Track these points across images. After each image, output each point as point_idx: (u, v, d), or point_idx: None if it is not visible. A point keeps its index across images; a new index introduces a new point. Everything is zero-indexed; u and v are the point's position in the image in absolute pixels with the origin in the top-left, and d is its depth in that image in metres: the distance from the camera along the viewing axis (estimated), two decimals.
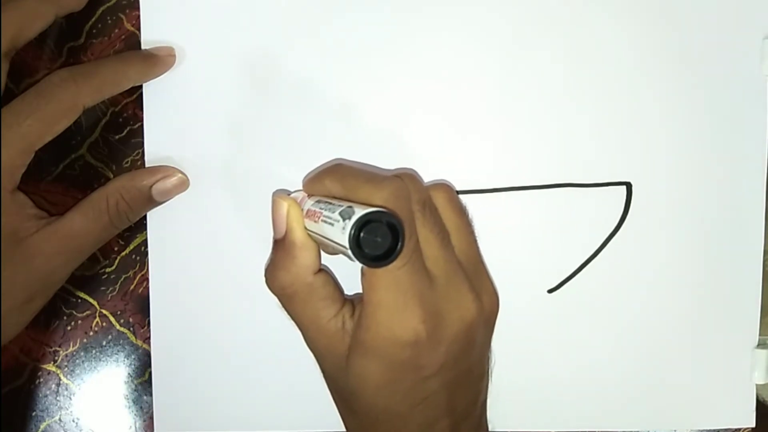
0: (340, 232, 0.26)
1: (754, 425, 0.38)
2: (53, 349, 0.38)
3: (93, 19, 0.37)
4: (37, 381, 0.38)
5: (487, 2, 0.36)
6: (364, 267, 0.29)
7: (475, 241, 0.34)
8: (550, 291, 0.37)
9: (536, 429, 0.38)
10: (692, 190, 0.37)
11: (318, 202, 0.30)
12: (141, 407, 0.38)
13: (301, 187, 0.35)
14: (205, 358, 0.37)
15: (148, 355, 0.37)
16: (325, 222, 0.28)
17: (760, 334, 0.38)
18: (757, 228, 0.38)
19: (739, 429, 0.38)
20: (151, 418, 0.38)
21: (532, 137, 0.37)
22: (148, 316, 0.37)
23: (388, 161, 0.37)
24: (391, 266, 0.27)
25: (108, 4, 0.37)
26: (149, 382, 0.38)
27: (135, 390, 0.38)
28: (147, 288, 0.37)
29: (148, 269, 0.37)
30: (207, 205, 0.37)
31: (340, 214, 0.27)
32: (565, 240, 0.37)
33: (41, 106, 0.32)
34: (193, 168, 0.36)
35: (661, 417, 0.38)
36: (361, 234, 0.26)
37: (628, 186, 0.37)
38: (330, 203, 0.29)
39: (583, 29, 0.37)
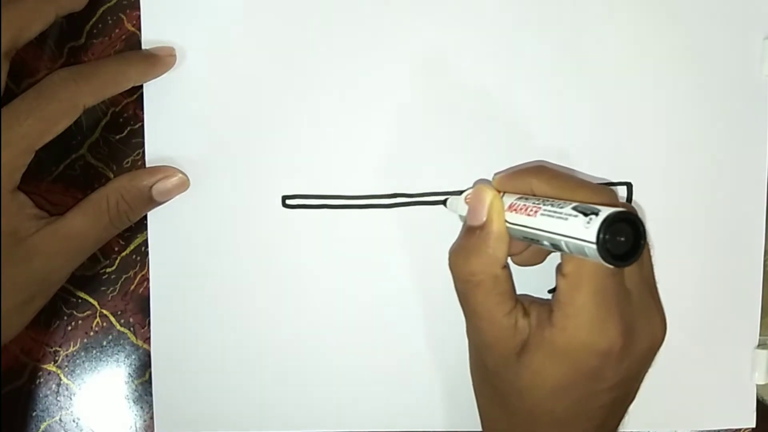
0: (582, 227, 0.26)
1: (754, 425, 0.38)
2: (53, 349, 0.38)
3: (93, 19, 0.37)
4: (38, 381, 0.38)
5: (488, 3, 0.37)
6: (567, 267, 0.29)
7: (653, 266, 0.33)
8: (551, 291, 0.37)
9: None
10: (692, 190, 0.37)
11: (523, 199, 0.30)
12: (141, 407, 0.38)
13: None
14: (205, 358, 0.37)
15: (149, 355, 0.37)
16: (551, 216, 0.28)
17: (760, 334, 0.38)
18: (758, 228, 0.38)
19: (740, 429, 0.38)
20: (152, 418, 0.38)
21: (533, 137, 0.37)
22: (149, 316, 0.37)
23: (389, 161, 0.37)
24: (600, 273, 0.28)
25: (109, 4, 0.37)
26: (149, 382, 0.38)
27: (135, 390, 0.38)
28: (147, 288, 0.37)
29: (148, 269, 0.37)
30: (207, 205, 0.37)
31: (577, 210, 0.27)
32: None
33: (41, 105, 0.32)
34: (193, 168, 0.36)
35: (661, 417, 0.38)
36: (606, 233, 0.26)
37: (629, 186, 0.37)
38: (549, 200, 0.29)
39: (584, 29, 0.37)
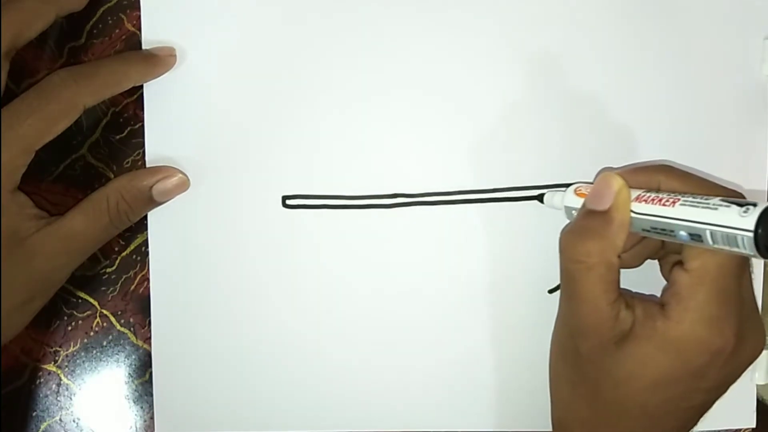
0: (738, 216, 0.27)
1: (754, 425, 0.38)
2: (54, 349, 0.38)
3: (94, 19, 0.37)
4: (38, 381, 0.38)
5: (491, 3, 0.37)
6: (693, 263, 0.29)
7: None
8: (551, 291, 0.37)
9: (537, 429, 0.38)
10: None
11: (652, 192, 0.31)
12: (141, 407, 0.38)
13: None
14: (206, 358, 0.37)
15: (149, 355, 0.37)
16: (696, 206, 0.29)
17: None
18: None
19: (740, 429, 0.38)
20: (152, 418, 0.38)
21: (532, 138, 0.37)
22: (149, 316, 0.37)
23: (389, 161, 0.37)
24: (725, 273, 0.29)
25: (109, 5, 0.37)
26: (150, 382, 0.38)
27: (135, 390, 0.38)
28: (147, 288, 0.37)
29: (148, 269, 0.37)
30: (207, 205, 0.37)
31: (727, 201, 0.28)
32: None
33: (42, 106, 0.32)
34: (193, 168, 0.36)
35: None
36: (765, 224, 0.27)
37: None
38: (685, 194, 0.30)
39: (583, 30, 0.37)
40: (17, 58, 0.34)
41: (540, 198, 0.36)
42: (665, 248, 0.34)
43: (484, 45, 0.37)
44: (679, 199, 0.29)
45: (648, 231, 0.31)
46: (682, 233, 0.29)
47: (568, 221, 0.34)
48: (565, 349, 0.33)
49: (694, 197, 0.29)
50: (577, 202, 0.33)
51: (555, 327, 0.34)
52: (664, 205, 0.30)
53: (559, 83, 0.37)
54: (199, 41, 0.36)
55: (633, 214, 0.31)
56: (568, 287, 0.32)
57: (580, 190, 0.34)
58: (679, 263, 0.30)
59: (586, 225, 0.31)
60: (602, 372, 0.31)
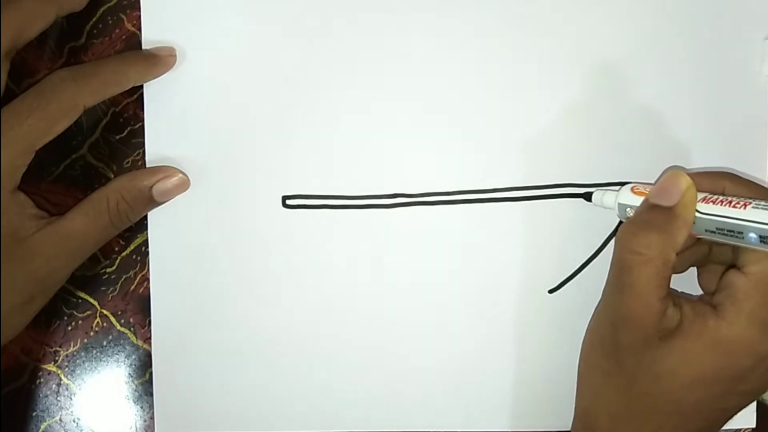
0: None
1: (754, 425, 0.38)
2: (54, 349, 0.38)
3: (94, 19, 0.37)
4: (38, 381, 0.38)
5: (485, 4, 0.37)
6: (753, 267, 0.31)
7: None
8: (551, 291, 0.37)
9: (537, 429, 0.38)
10: None
11: (718, 195, 0.32)
12: (142, 407, 0.38)
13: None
14: (206, 359, 0.37)
15: (149, 355, 0.37)
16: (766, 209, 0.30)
17: None
18: None
19: (740, 429, 0.38)
20: (152, 418, 0.38)
21: (532, 139, 0.37)
22: (149, 316, 0.37)
23: (389, 161, 0.37)
24: None
25: (109, 4, 0.37)
26: (150, 382, 0.38)
27: (136, 390, 0.38)
28: (148, 288, 0.37)
29: (148, 269, 0.37)
30: (207, 205, 0.37)
31: None
32: (565, 240, 0.37)
33: (42, 106, 0.32)
34: (193, 168, 0.36)
35: None
36: None
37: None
38: (752, 198, 0.31)
39: (583, 30, 0.37)
40: (17, 58, 0.34)
41: (587, 196, 0.36)
42: (710, 256, 0.34)
43: (485, 45, 0.37)
44: (750, 202, 0.30)
45: (712, 232, 0.31)
46: (752, 235, 0.30)
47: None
48: (604, 338, 0.33)
49: (766, 202, 0.30)
50: (634, 200, 0.33)
51: (594, 316, 0.34)
52: (734, 207, 0.30)
53: (559, 83, 0.37)
54: (199, 41, 0.36)
55: (698, 214, 0.31)
56: (620, 277, 0.31)
57: (637, 188, 0.34)
58: (733, 267, 0.31)
59: (650, 218, 0.31)
60: (642, 365, 0.31)
